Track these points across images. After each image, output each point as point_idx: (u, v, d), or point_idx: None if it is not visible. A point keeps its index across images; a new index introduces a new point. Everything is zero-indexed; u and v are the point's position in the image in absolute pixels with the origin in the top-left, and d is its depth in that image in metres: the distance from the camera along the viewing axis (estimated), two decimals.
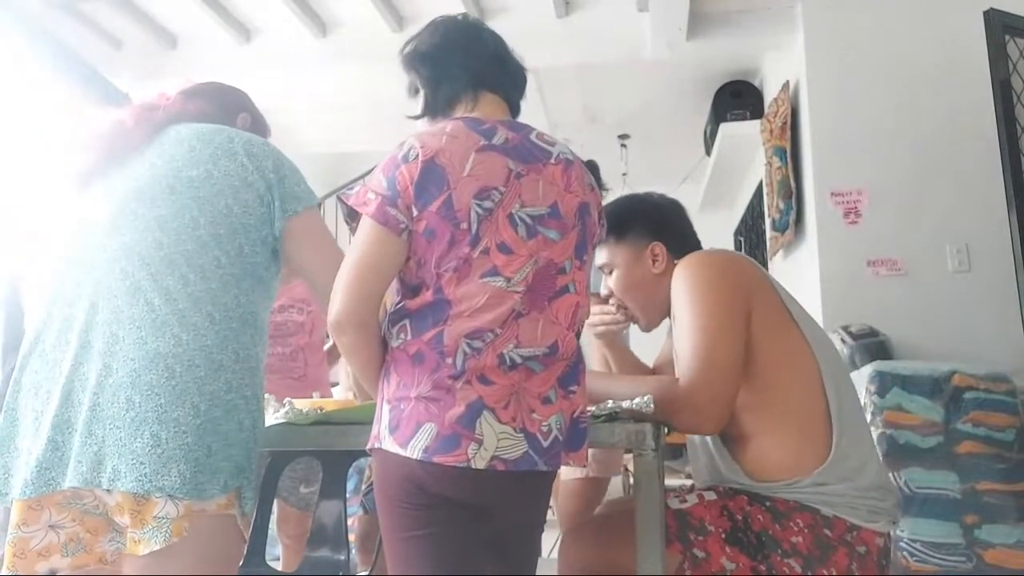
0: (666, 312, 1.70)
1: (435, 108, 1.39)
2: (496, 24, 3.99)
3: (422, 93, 1.41)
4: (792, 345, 1.50)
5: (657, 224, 1.70)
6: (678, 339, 1.52)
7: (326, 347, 2.72)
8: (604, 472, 2.25)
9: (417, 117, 1.42)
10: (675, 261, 1.64)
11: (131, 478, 1.08)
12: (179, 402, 1.12)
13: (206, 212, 1.24)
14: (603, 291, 1.76)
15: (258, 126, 1.59)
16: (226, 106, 1.51)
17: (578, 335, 1.31)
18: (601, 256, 1.73)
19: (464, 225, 1.22)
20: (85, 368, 1.14)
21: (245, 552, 1.92)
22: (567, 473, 2.26)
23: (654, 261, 1.68)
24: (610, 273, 1.73)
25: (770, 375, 1.47)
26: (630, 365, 1.90)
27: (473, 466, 1.14)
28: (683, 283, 1.52)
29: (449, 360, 1.18)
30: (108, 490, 1.10)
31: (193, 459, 1.11)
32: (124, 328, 1.15)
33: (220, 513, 1.15)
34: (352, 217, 1.32)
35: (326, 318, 1.30)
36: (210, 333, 1.18)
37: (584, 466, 1.30)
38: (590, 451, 2.16)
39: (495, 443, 1.15)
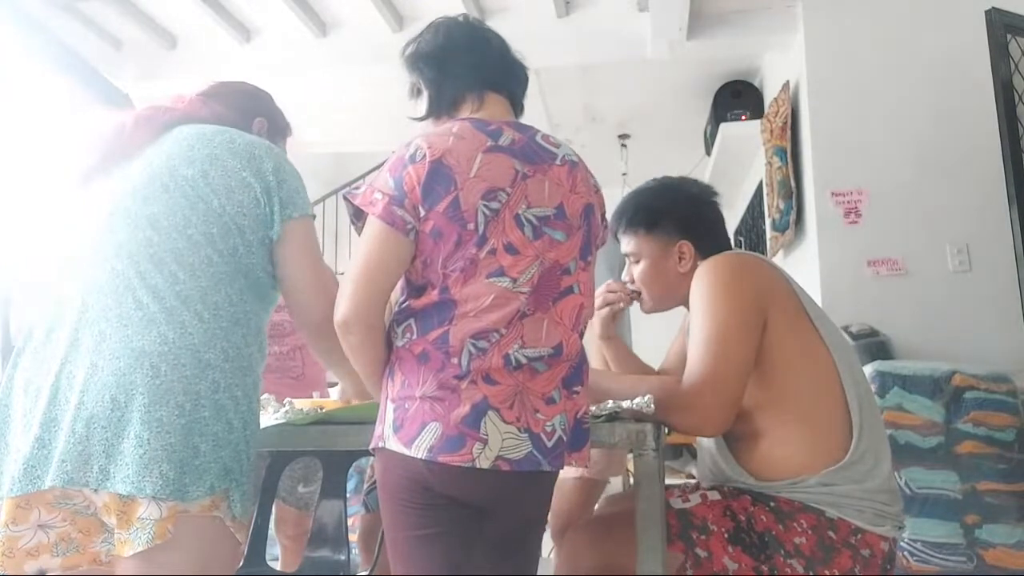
0: (677, 304, 1.70)
1: (439, 108, 1.39)
2: (496, 24, 3.99)
3: (426, 94, 1.41)
4: (810, 347, 1.49)
5: (689, 222, 1.68)
6: (690, 341, 1.52)
7: None
8: (600, 475, 2.24)
9: (421, 119, 1.42)
10: (700, 261, 1.64)
11: (116, 479, 1.07)
12: (163, 401, 1.11)
13: (199, 211, 1.23)
14: (625, 277, 1.76)
15: (277, 128, 1.58)
16: (243, 110, 1.50)
17: (581, 335, 1.31)
18: (629, 245, 1.73)
19: (471, 226, 1.22)
20: (73, 366, 1.14)
21: (245, 553, 1.92)
22: (563, 472, 2.25)
23: (680, 259, 1.67)
24: (636, 262, 1.72)
25: (785, 375, 1.47)
26: (628, 361, 1.90)
27: (478, 466, 1.14)
28: (700, 286, 1.51)
29: (455, 360, 1.18)
30: (95, 490, 1.09)
31: (178, 460, 1.10)
32: (112, 326, 1.15)
33: (204, 515, 1.13)
34: (358, 217, 1.31)
35: (298, 325, 1.33)
36: (198, 331, 1.17)
37: (586, 467, 1.30)
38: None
39: (500, 443, 1.15)
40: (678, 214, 1.69)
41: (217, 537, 1.16)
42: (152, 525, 1.08)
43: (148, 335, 1.14)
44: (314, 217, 1.36)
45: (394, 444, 1.19)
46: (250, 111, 1.53)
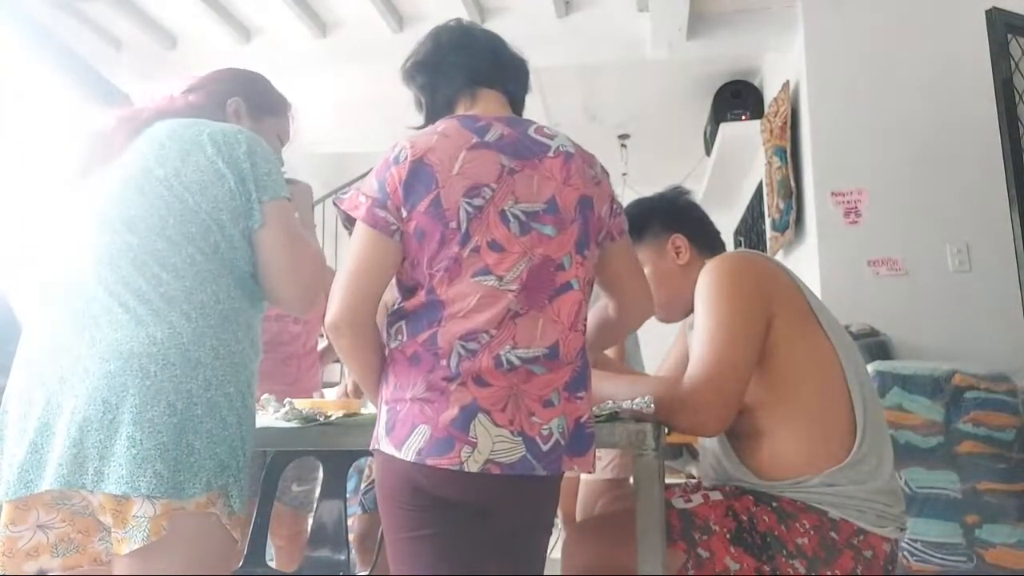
0: (689, 309, 1.70)
1: (435, 113, 1.39)
2: (496, 24, 4.01)
3: (423, 102, 1.41)
4: (816, 347, 1.49)
5: (673, 217, 1.72)
6: (693, 341, 1.51)
7: (320, 347, 2.71)
8: (627, 473, 2.24)
9: (421, 127, 1.40)
10: (700, 253, 1.65)
11: (110, 480, 1.08)
12: (154, 402, 1.12)
13: (175, 211, 1.23)
14: None
15: (257, 106, 1.54)
16: (217, 94, 1.48)
17: (583, 334, 1.29)
18: None
19: (453, 224, 1.21)
20: (65, 372, 1.15)
21: (245, 552, 1.92)
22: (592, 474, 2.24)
23: (677, 253, 1.69)
24: None
25: (790, 375, 1.47)
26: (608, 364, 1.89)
27: (466, 469, 1.13)
28: (704, 286, 1.52)
29: (444, 362, 1.18)
30: (91, 491, 1.10)
31: (171, 458, 1.11)
32: (101, 331, 1.15)
33: (200, 512, 1.14)
34: (349, 221, 1.32)
35: (281, 308, 1.30)
36: (186, 331, 1.17)
37: (591, 472, 1.28)
38: (611, 452, 2.16)
39: (490, 446, 1.14)
40: (660, 213, 1.73)
41: (213, 534, 1.17)
42: (147, 523, 1.09)
43: (137, 337, 1.15)
44: (288, 199, 1.33)
45: (386, 446, 1.19)
46: (223, 94, 1.50)
